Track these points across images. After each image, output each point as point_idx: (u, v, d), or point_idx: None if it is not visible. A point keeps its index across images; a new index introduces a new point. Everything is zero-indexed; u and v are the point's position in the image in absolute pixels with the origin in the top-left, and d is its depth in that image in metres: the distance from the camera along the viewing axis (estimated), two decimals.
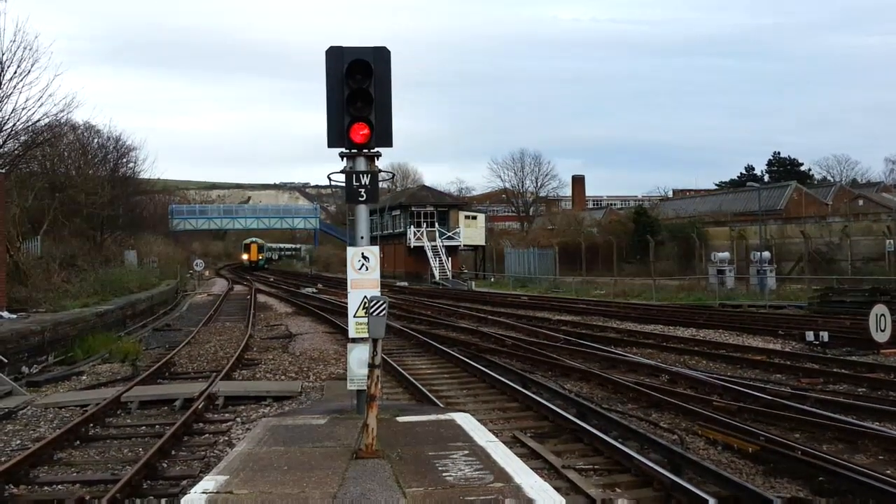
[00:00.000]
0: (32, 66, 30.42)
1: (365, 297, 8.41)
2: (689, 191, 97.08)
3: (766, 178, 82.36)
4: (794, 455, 8.17)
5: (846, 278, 33.93)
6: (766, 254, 34.92)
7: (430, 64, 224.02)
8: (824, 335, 17.55)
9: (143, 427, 10.75)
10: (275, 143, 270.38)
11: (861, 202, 61.33)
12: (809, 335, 17.75)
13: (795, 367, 14.61)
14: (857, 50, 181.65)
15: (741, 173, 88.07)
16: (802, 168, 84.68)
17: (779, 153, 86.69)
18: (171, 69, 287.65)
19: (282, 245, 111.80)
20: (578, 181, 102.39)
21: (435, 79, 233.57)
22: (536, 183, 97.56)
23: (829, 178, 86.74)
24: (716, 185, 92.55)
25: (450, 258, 58.77)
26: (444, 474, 6.20)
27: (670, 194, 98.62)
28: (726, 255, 37.37)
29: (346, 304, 9.05)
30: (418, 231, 60.28)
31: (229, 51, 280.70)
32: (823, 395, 11.74)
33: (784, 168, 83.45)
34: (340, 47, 8.89)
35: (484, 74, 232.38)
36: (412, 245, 60.14)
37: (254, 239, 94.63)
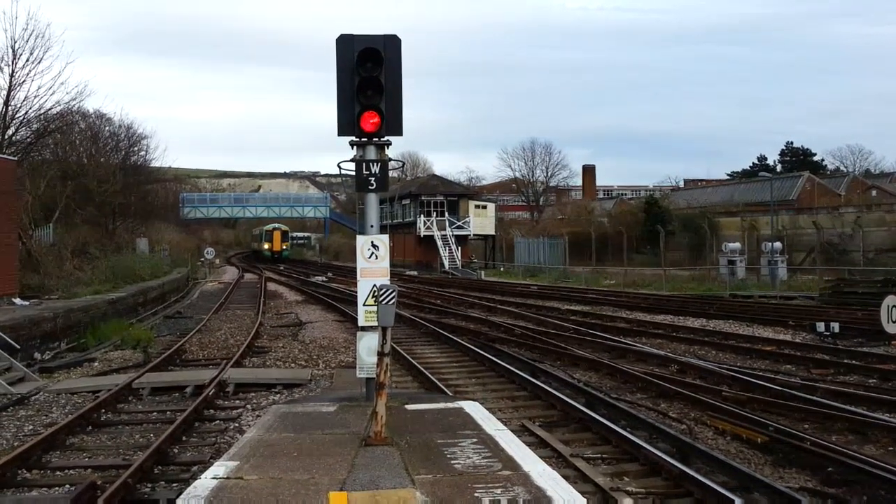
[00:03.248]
0: (44, 54, 30.71)
1: (374, 285, 8.43)
2: (701, 181, 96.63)
3: (779, 168, 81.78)
4: (803, 445, 8.16)
5: (858, 269, 33.70)
6: (778, 244, 34.73)
7: (437, 52, 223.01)
8: (835, 326, 17.49)
9: (155, 413, 10.84)
10: (285, 131, 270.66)
11: (874, 193, 60.86)
12: (820, 326, 17.69)
13: (806, 358, 14.56)
14: (869, 39, 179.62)
15: (753, 163, 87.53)
16: (815, 158, 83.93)
17: (791, 143, 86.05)
18: (179, 59, 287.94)
19: (293, 234, 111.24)
20: (589, 171, 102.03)
21: (443, 68, 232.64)
22: (547, 172, 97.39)
23: (842, 168, 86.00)
24: (728, 175, 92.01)
25: (459, 247, 58.75)
26: (452, 462, 6.23)
27: (682, 184, 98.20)
28: (737, 245, 37.17)
29: (356, 292, 9.07)
30: (428, 220, 60.25)
31: (237, 40, 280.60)
32: (833, 386, 11.71)
33: (797, 158, 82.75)
34: (351, 35, 8.87)
35: (491, 63, 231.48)
36: (422, 234, 60.14)
37: (277, 225, 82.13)
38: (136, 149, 52.82)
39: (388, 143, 8.98)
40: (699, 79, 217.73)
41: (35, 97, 31.25)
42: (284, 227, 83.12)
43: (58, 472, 7.99)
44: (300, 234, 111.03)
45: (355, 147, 8.96)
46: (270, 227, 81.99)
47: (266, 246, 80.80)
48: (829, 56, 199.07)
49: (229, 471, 5.99)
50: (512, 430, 7.74)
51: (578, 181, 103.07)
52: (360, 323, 8.91)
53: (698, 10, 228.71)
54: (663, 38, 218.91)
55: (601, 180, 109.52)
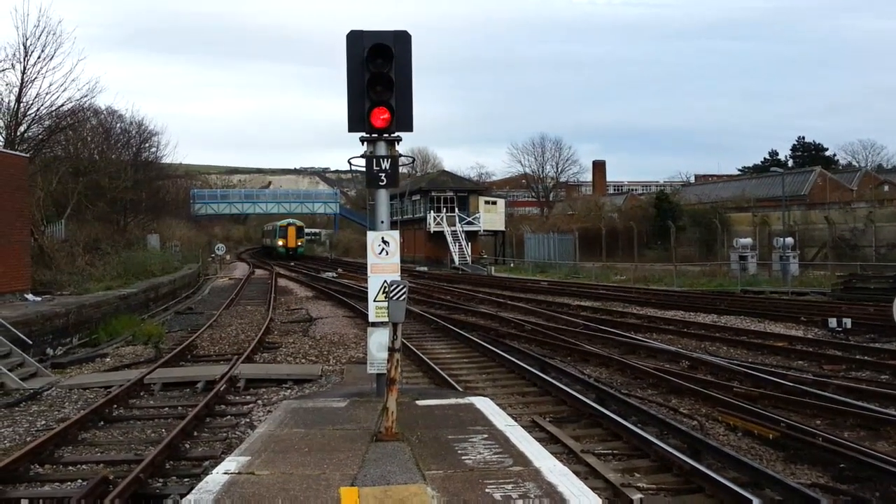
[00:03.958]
0: (56, 51, 30.84)
1: (385, 281, 8.44)
2: (712, 176, 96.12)
3: (791, 163, 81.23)
4: (814, 442, 8.12)
5: (870, 265, 33.46)
6: (790, 240, 34.53)
7: (439, 48, 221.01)
8: (847, 322, 17.38)
9: (166, 408, 10.89)
10: (294, 127, 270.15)
11: (886, 188, 60.38)
12: (832, 322, 17.58)
13: (818, 354, 14.48)
14: (881, 34, 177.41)
15: (765, 158, 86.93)
16: (827, 153, 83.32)
17: (803, 138, 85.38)
18: (184, 56, 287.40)
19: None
20: (599, 166, 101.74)
21: (445, 63, 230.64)
22: (557, 168, 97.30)
23: (854, 163, 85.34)
24: (739, 170, 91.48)
25: (469, 243, 58.74)
26: (463, 457, 6.23)
27: (692, 179, 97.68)
28: (749, 240, 36.99)
29: (366, 288, 9.08)
30: (438, 216, 60.28)
31: (240, 37, 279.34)
32: (846, 382, 11.63)
33: (808, 153, 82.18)
34: (361, 31, 8.87)
35: (498, 59, 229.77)
36: (432, 230, 60.17)
37: (291, 221, 79.00)
38: (146, 145, 53.08)
39: (399, 139, 8.98)
40: (710, 73, 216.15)
41: (47, 94, 31.48)
42: (299, 223, 79.98)
43: (70, 468, 8.03)
44: (310, 231, 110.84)
45: (365, 143, 8.96)
46: (285, 222, 78.75)
47: (280, 242, 77.28)
48: (840, 51, 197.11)
49: (241, 466, 6.02)
50: (522, 426, 7.74)
51: (588, 177, 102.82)
52: (371, 319, 8.92)
53: (705, 4, 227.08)
54: (669, 33, 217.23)
55: (611, 176, 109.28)
